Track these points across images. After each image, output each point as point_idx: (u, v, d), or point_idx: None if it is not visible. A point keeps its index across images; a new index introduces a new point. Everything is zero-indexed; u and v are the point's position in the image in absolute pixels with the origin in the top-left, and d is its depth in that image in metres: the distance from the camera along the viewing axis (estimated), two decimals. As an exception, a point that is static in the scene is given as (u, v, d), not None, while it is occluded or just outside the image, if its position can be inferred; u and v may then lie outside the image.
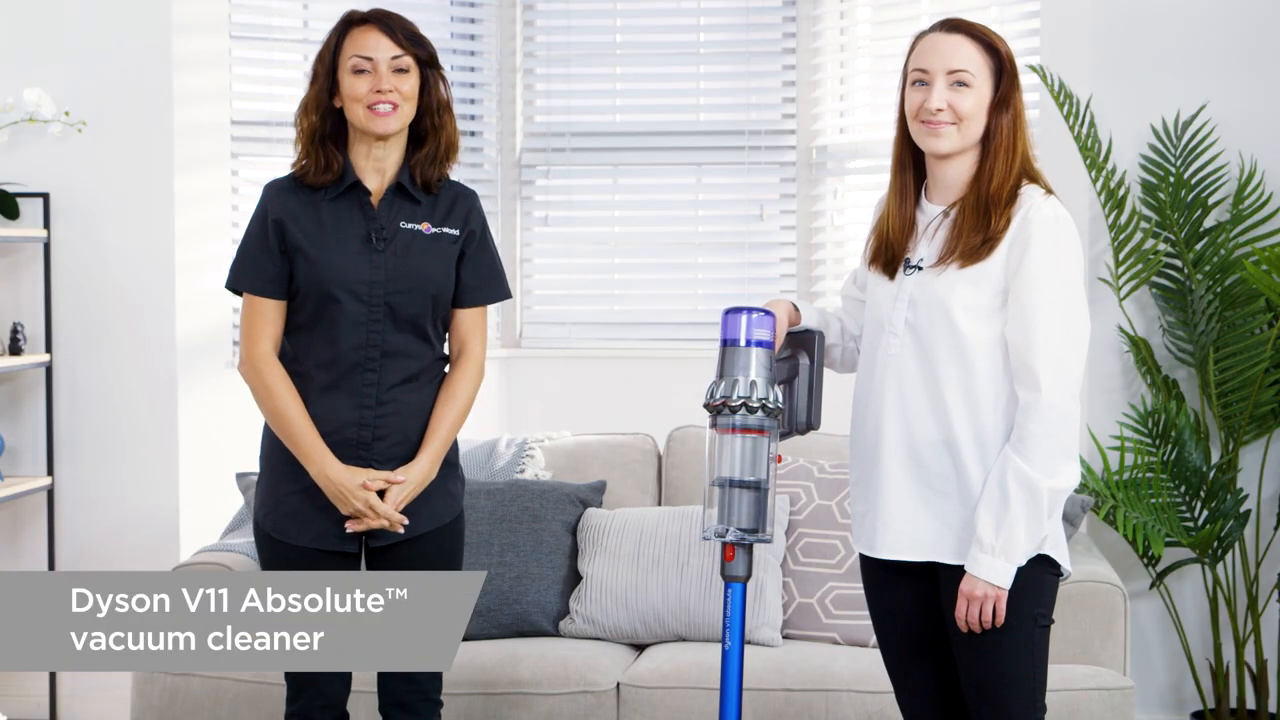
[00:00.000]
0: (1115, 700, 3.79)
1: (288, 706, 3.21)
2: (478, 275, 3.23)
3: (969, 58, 2.84)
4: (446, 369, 3.26)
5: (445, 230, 3.19)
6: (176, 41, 4.81)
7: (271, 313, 3.18)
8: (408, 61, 3.14)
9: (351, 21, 3.17)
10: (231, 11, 4.95)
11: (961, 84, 2.84)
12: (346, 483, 3.11)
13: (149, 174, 4.83)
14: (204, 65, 4.89)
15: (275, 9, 5.02)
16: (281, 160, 4.99)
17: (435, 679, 3.24)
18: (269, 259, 3.16)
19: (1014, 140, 2.86)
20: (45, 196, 4.80)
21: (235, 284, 3.22)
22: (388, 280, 3.13)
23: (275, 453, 3.20)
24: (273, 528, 3.18)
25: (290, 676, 3.21)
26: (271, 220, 3.17)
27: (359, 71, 3.12)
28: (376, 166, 3.18)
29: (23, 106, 4.71)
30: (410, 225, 3.17)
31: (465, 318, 3.24)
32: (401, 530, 3.15)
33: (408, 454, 3.17)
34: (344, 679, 3.23)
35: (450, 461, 3.26)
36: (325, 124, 3.17)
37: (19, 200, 4.76)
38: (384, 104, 3.11)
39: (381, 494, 3.14)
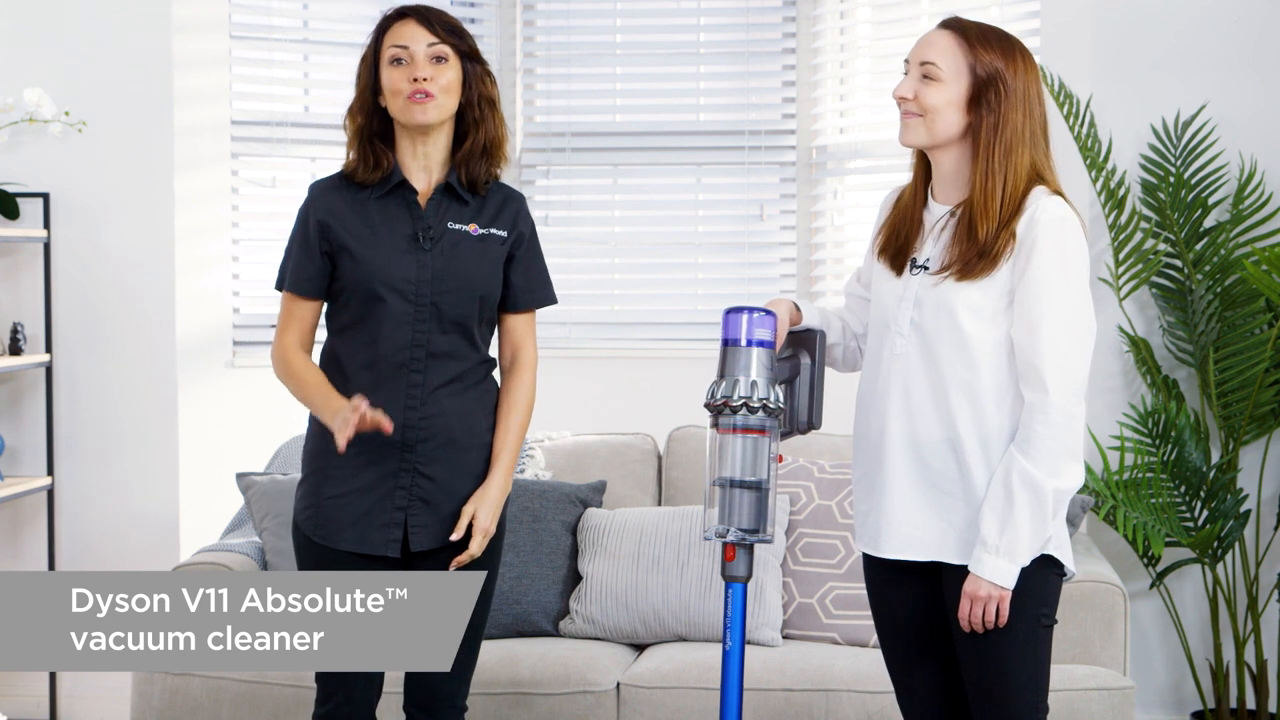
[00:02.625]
0: (1115, 700, 3.80)
1: (316, 708, 3.17)
2: (529, 278, 3.22)
3: (942, 52, 2.83)
4: (493, 373, 3.23)
5: (493, 231, 3.17)
6: (176, 41, 4.82)
7: (300, 311, 3.16)
8: (445, 50, 3.11)
9: (391, 17, 3.16)
10: (231, 11, 4.95)
11: (927, 77, 2.84)
12: (343, 403, 3.03)
13: (149, 174, 4.83)
14: (204, 65, 4.89)
15: (275, 9, 5.02)
16: (282, 160, 5.01)
17: (462, 685, 3.20)
18: (308, 258, 3.14)
19: (995, 147, 2.82)
20: (45, 196, 4.80)
21: (279, 282, 3.20)
22: (434, 280, 3.11)
23: (319, 455, 3.15)
24: (314, 531, 3.14)
25: (321, 678, 3.17)
26: (315, 221, 3.14)
27: (396, 61, 3.10)
28: (423, 165, 3.16)
29: (23, 106, 4.71)
30: (458, 226, 3.14)
31: (518, 323, 3.23)
32: (480, 549, 3.12)
33: (451, 456, 3.14)
34: (374, 683, 3.18)
35: None
36: (372, 123, 3.15)
37: (19, 200, 4.76)
38: (420, 92, 3.09)
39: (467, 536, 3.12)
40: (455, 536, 3.11)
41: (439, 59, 3.11)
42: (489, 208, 3.18)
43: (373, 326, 3.11)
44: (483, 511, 3.12)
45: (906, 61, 2.88)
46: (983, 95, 2.82)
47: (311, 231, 3.14)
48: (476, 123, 3.17)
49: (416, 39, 3.11)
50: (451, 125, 3.16)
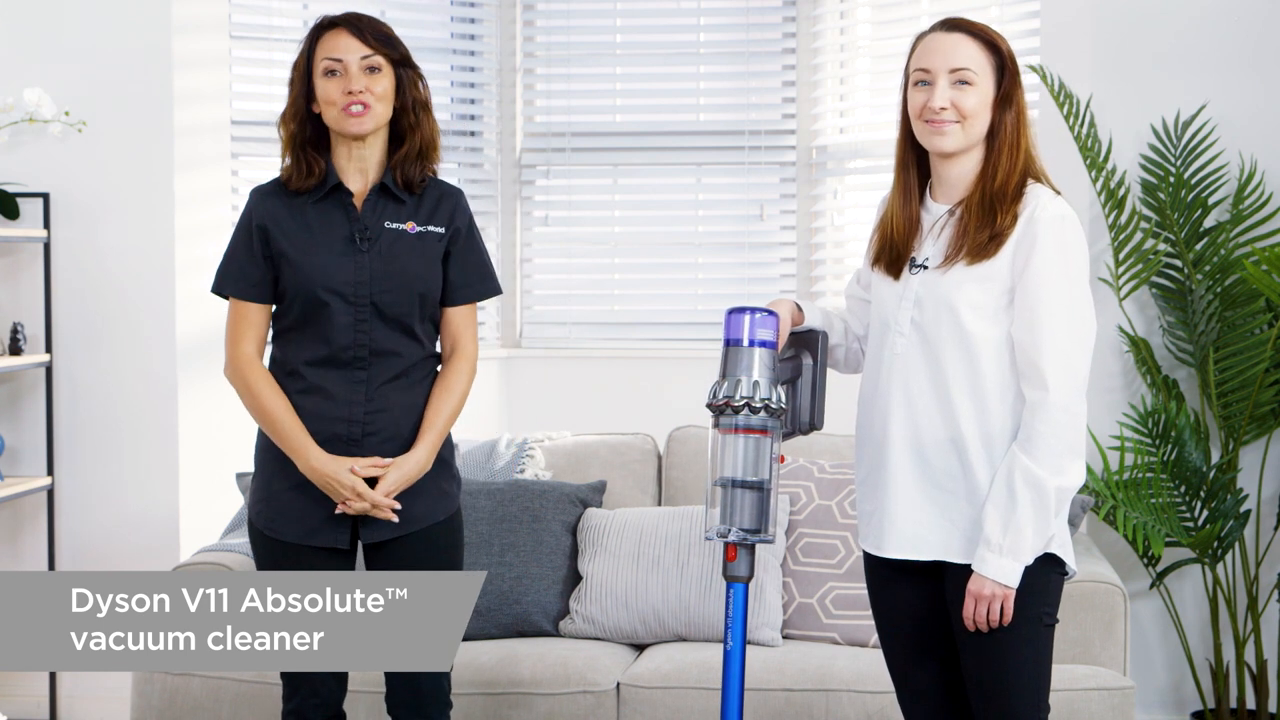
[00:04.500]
0: (1115, 700, 3.79)
1: (284, 704, 3.24)
2: (465, 273, 3.25)
3: (971, 56, 2.85)
4: (438, 367, 3.27)
5: (430, 229, 3.21)
6: (176, 41, 4.81)
7: (254, 316, 3.22)
8: (379, 61, 3.16)
9: (323, 26, 3.20)
10: (231, 11, 4.95)
11: (964, 82, 2.84)
12: (332, 471, 3.13)
13: (149, 174, 4.83)
14: (204, 65, 4.89)
15: (275, 9, 5.02)
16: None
17: (444, 680, 3.23)
18: (253, 264, 3.19)
19: (1018, 137, 2.87)
20: (45, 196, 4.80)
21: (219, 288, 3.25)
22: (373, 280, 3.15)
23: (268, 450, 3.23)
24: (266, 525, 3.20)
25: (286, 675, 3.23)
26: (255, 225, 3.20)
27: (330, 73, 3.15)
28: (359, 168, 3.21)
29: (23, 106, 4.71)
30: (394, 225, 3.19)
31: (455, 316, 3.26)
32: (394, 518, 3.16)
33: (399, 450, 3.19)
34: (339, 678, 3.24)
35: (444, 460, 3.27)
36: (305, 130, 3.20)
37: (19, 200, 4.76)
38: (356, 104, 3.13)
39: (373, 483, 3.15)
40: (361, 473, 3.13)
41: (373, 69, 3.16)
42: (426, 205, 3.22)
43: (316, 328, 3.17)
44: (388, 477, 3.14)
45: (925, 70, 2.86)
46: (1007, 91, 2.86)
47: (254, 236, 3.19)
48: (412, 127, 3.22)
49: (350, 50, 3.15)
50: (386, 129, 3.21)
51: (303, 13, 5.11)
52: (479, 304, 3.34)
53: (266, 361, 3.26)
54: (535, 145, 5.31)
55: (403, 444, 3.19)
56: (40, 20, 4.81)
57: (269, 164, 4.98)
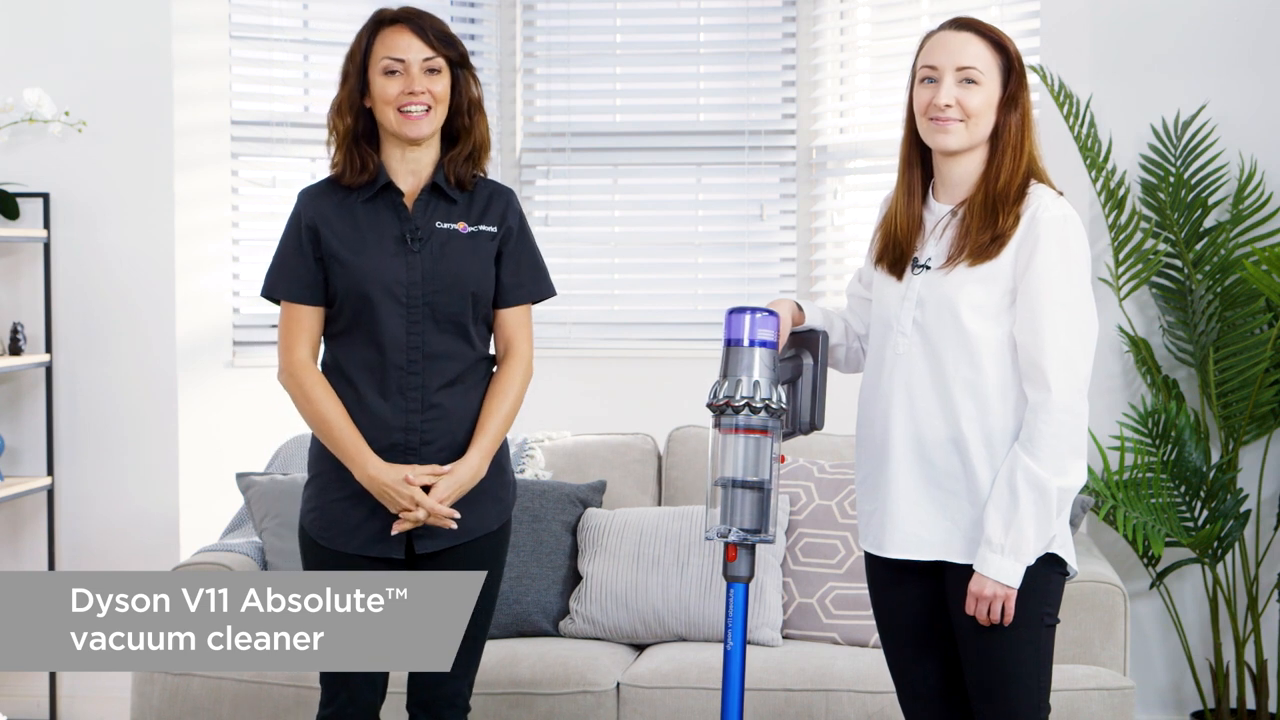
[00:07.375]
0: (1115, 700, 3.80)
1: (320, 710, 3.18)
2: (519, 273, 3.20)
3: (978, 55, 2.85)
4: (492, 369, 3.22)
5: (482, 228, 3.15)
6: (176, 41, 4.81)
7: (307, 319, 3.14)
8: (439, 63, 3.11)
9: (382, 21, 3.13)
10: (231, 11, 4.95)
11: (970, 81, 2.84)
12: (390, 480, 3.06)
13: (149, 174, 4.83)
14: (204, 65, 4.89)
15: (275, 9, 5.02)
16: (282, 160, 5.01)
17: (464, 685, 3.19)
18: (304, 265, 3.13)
19: (1021, 139, 2.86)
20: (45, 196, 4.80)
21: (271, 291, 3.17)
22: (425, 281, 3.10)
23: (323, 458, 3.16)
24: (319, 533, 3.15)
25: (325, 680, 3.17)
26: (305, 226, 3.13)
27: (390, 73, 3.09)
28: (410, 168, 3.15)
29: (23, 106, 4.71)
30: (446, 225, 3.13)
31: (509, 317, 3.20)
32: (453, 525, 3.09)
33: (455, 457, 3.13)
34: (377, 685, 3.18)
35: (499, 465, 3.21)
36: (359, 124, 3.13)
37: (19, 200, 4.76)
38: (416, 105, 3.08)
39: (427, 490, 3.09)
40: (416, 482, 3.07)
41: (433, 70, 3.11)
42: (477, 204, 3.17)
43: (368, 330, 3.10)
44: (442, 484, 3.09)
45: (932, 68, 2.86)
46: (1013, 92, 2.86)
47: (304, 237, 3.13)
48: (466, 129, 3.16)
49: (412, 50, 3.10)
50: (439, 130, 3.16)
51: (303, 13, 5.11)
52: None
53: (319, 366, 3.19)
54: (535, 145, 5.31)
55: (459, 451, 3.13)
56: (40, 20, 4.82)
57: (269, 164, 5.02)
